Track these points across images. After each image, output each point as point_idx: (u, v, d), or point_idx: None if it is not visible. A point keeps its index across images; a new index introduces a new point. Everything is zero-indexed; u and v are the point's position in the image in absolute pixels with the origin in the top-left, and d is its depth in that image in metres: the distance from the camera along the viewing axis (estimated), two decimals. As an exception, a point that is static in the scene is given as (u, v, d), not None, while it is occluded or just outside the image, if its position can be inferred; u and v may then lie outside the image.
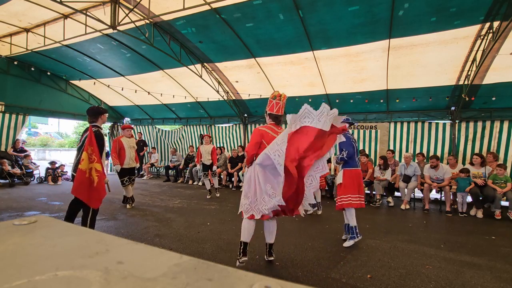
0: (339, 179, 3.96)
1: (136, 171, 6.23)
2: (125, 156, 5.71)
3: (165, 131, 11.64)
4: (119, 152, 5.67)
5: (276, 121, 3.12)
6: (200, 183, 9.07)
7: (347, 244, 3.72)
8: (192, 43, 6.75)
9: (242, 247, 2.94)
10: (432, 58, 5.78)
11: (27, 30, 6.73)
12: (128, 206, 5.68)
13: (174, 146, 11.10)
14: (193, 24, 5.98)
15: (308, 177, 2.70)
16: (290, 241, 3.84)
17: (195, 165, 9.18)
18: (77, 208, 3.34)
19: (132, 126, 6.47)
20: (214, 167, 7.01)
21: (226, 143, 10.27)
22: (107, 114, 3.67)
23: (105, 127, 13.17)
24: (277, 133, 2.95)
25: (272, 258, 3.14)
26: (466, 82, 6.16)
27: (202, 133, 10.59)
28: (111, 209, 5.50)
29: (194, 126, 10.83)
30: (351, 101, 7.67)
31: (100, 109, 3.60)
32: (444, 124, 7.29)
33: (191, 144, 10.63)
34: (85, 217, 3.29)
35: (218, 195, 7.10)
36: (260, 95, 8.30)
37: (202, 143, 7.17)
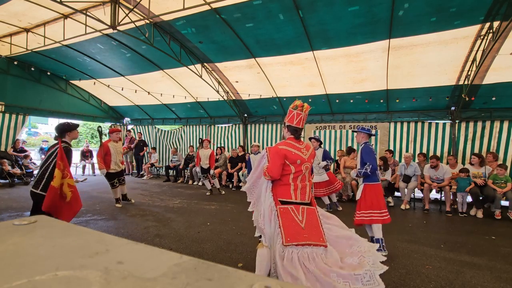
0: (359, 195, 3.71)
1: (124, 172, 6.23)
2: (110, 161, 5.66)
3: (164, 131, 11.64)
4: (104, 156, 5.60)
5: (295, 134, 2.62)
6: (200, 183, 9.07)
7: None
8: (192, 43, 6.75)
9: None
10: (432, 58, 5.78)
11: (27, 30, 6.73)
12: (118, 205, 5.73)
13: (174, 146, 11.10)
14: (193, 24, 5.98)
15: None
16: (290, 241, 3.84)
17: (195, 165, 9.18)
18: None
19: (120, 129, 6.41)
20: (212, 171, 7.36)
21: (226, 143, 10.27)
22: (76, 131, 3.54)
23: (105, 127, 13.16)
24: (300, 149, 2.54)
25: None
26: (466, 82, 6.16)
27: (202, 133, 10.60)
28: (111, 209, 5.50)
29: (194, 126, 10.83)
30: (351, 101, 7.67)
31: (66, 126, 3.46)
32: (444, 124, 7.29)
33: (191, 144, 10.63)
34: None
35: (223, 192, 7.52)
36: (260, 95, 8.30)
37: (201, 147, 7.35)
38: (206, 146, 7.29)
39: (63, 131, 3.40)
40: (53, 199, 3.04)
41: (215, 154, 8.05)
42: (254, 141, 9.71)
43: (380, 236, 3.52)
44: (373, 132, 3.88)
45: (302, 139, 2.70)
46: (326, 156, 5.78)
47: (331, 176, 5.89)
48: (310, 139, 5.97)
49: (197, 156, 7.36)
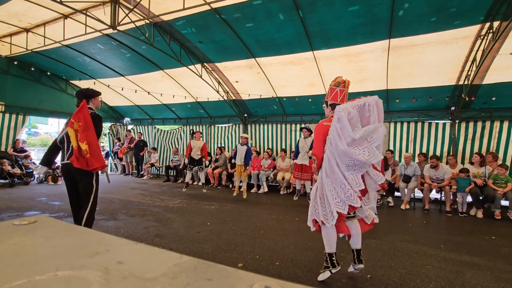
0: None
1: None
2: None
3: (164, 131, 11.64)
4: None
5: None
6: (197, 183, 9.05)
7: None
8: (192, 43, 6.75)
9: (329, 259, 2.61)
10: (432, 58, 5.78)
11: (27, 30, 6.73)
12: None
13: (175, 146, 11.10)
14: (193, 24, 5.98)
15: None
16: (290, 241, 3.84)
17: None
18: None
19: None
20: (206, 162, 7.27)
21: (226, 143, 10.27)
22: (99, 99, 3.17)
23: (105, 127, 13.12)
24: None
25: (361, 266, 2.67)
26: (466, 82, 6.16)
27: (201, 133, 10.59)
28: (111, 209, 5.50)
29: (194, 126, 10.83)
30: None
31: (90, 91, 3.08)
32: (444, 124, 7.29)
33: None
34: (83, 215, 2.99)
35: (205, 191, 7.27)
36: (260, 95, 8.30)
37: (193, 138, 7.26)
38: (198, 138, 7.17)
39: (87, 96, 3.03)
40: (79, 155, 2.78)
41: (214, 153, 7.99)
42: (254, 141, 9.71)
43: None
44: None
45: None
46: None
47: (310, 164, 6.06)
48: (301, 129, 6.39)
49: (188, 147, 7.19)
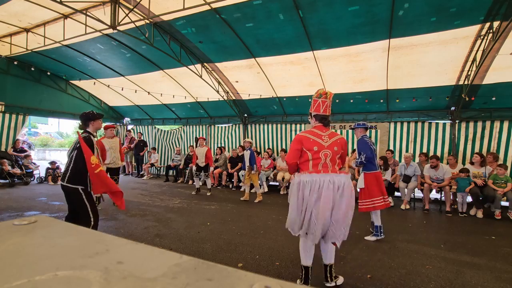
0: (360, 184, 4.01)
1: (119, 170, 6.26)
2: (105, 158, 5.68)
3: (164, 131, 11.64)
4: (100, 153, 5.58)
5: (324, 122, 2.66)
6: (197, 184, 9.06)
7: (369, 238, 4.01)
8: (192, 43, 6.75)
9: (303, 272, 2.60)
10: (432, 58, 5.78)
11: (27, 30, 6.73)
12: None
13: (176, 146, 11.10)
14: (193, 24, 5.98)
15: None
16: (290, 241, 3.84)
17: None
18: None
19: (115, 125, 6.51)
20: (211, 168, 7.28)
21: (226, 143, 10.27)
22: (100, 121, 3.36)
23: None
24: (320, 136, 2.56)
25: (333, 284, 2.65)
26: (466, 82, 6.16)
27: (202, 133, 10.59)
28: (111, 209, 5.50)
29: (194, 126, 10.83)
30: (351, 101, 7.67)
31: (90, 114, 3.30)
32: (444, 124, 7.29)
33: (191, 144, 10.63)
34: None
35: (209, 194, 7.29)
36: (260, 95, 8.30)
37: (197, 145, 7.36)
38: (202, 144, 7.24)
39: (87, 119, 3.27)
40: (99, 180, 2.97)
41: (214, 153, 7.98)
42: (254, 142, 9.71)
43: (379, 224, 3.97)
44: (368, 125, 4.32)
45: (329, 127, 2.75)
46: None
47: None
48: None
49: (194, 155, 7.38)
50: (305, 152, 2.54)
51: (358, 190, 4.09)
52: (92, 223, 3.07)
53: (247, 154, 6.78)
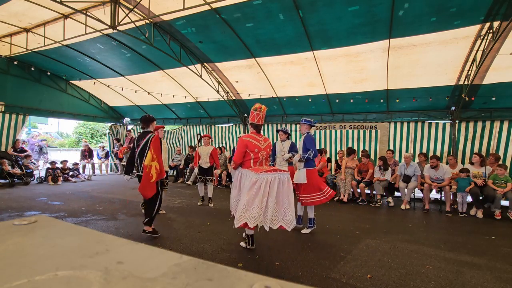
0: (302, 179, 4.23)
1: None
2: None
3: (164, 131, 11.62)
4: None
5: (257, 129, 3.61)
6: (190, 182, 8.93)
7: (305, 231, 4.24)
8: (192, 43, 6.75)
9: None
10: (432, 58, 5.78)
11: (27, 30, 6.73)
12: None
13: (175, 146, 11.09)
14: (193, 24, 5.98)
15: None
16: (290, 241, 3.84)
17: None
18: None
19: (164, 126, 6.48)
20: (218, 171, 6.34)
21: (226, 143, 10.27)
22: (155, 122, 4.19)
23: (105, 127, 13.10)
24: (258, 140, 3.51)
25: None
26: (466, 82, 6.16)
27: (202, 133, 10.55)
28: (111, 209, 5.50)
29: (194, 126, 10.82)
30: (351, 101, 7.67)
31: (151, 117, 4.18)
32: (444, 124, 7.29)
33: (190, 144, 10.62)
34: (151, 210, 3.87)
35: (211, 205, 6.05)
36: (260, 95, 8.30)
37: (200, 144, 6.45)
38: (207, 143, 6.23)
39: (149, 121, 4.09)
40: (146, 179, 3.60)
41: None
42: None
43: (312, 216, 4.28)
44: (313, 122, 4.55)
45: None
46: (292, 148, 5.45)
47: (291, 171, 5.55)
48: (277, 131, 5.94)
49: (196, 155, 6.32)
50: (248, 153, 3.42)
51: (296, 184, 4.34)
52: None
53: (284, 144, 6.54)
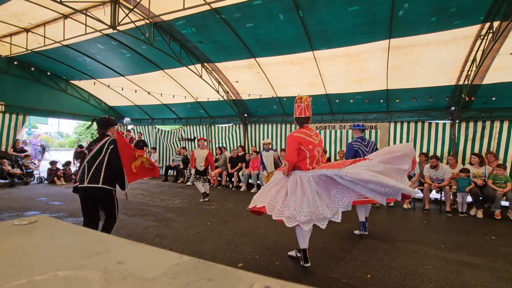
0: None
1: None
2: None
3: (164, 131, 11.64)
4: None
5: (307, 122, 3.12)
6: (190, 182, 9.00)
7: (357, 232, 4.25)
8: (192, 43, 6.75)
9: (303, 255, 3.05)
10: (432, 58, 5.78)
11: (27, 30, 6.73)
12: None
13: (176, 146, 11.09)
14: (193, 24, 5.98)
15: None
16: (290, 241, 3.84)
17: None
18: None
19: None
20: (212, 172, 6.65)
21: (226, 143, 10.27)
22: (116, 127, 3.44)
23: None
24: (311, 136, 3.03)
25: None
26: (466, 82, 6.16)
27: (202, 133, 10.56)
28: (111, 209, 5.50)
29: (194, 126, 10.82)
30: (351, 101, 7.67)
31: (112, 120, 3.36)
32: (444, 124, 7.29)
33: (183, 146, 10.63)
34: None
35: (207, 199, 6.49)
36: (260, 95, 8.30)
37: (196, 146, 6.80)
38: (202, 146, 6.44)
39: (108, 124, 3.30)
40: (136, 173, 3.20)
41: (214, 153, 7.36)
42: (254, 141, 9.71)
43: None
44: (362, 126, 4.53)
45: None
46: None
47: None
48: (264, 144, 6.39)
49: (192, 157, 6.54)
50: (303, 150, 2.94)
51: None
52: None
53: (269, 155, 6.62)
